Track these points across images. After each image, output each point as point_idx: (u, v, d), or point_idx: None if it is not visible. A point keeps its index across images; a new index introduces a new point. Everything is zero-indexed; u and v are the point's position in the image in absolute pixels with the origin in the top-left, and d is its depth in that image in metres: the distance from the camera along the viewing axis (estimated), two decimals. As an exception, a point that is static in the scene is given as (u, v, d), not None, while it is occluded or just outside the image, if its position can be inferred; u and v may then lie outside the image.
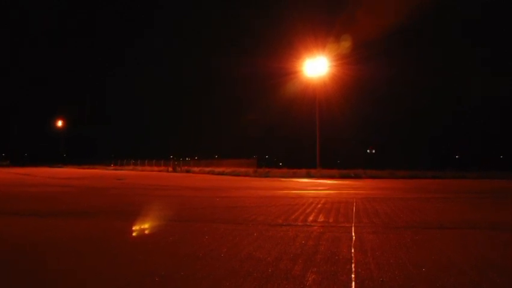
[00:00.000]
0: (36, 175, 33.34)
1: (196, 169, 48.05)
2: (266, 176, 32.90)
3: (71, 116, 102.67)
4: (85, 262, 4.87)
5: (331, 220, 7.97)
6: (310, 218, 8.16)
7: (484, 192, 16.31)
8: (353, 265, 4.68)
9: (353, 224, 7.47)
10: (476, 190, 17.24)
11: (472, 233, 6.76)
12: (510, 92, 79.00)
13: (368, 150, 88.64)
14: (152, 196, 13.98)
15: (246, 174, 35.07)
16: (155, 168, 59.31)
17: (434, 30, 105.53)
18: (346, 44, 43.09)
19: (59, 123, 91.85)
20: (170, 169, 52.84)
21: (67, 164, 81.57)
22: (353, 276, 4.32)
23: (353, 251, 5.37)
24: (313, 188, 18.01)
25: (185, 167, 51.83)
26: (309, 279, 4.22)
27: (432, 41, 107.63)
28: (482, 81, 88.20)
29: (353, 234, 6.58)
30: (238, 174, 35.89)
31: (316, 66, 37.85)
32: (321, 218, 8.19)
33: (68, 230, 7.04)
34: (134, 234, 6.66)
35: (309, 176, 31.58)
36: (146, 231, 6.89)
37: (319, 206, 10.28)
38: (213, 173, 40.74)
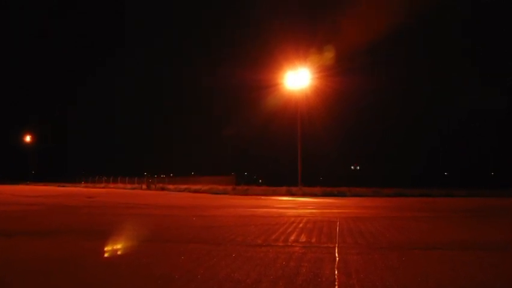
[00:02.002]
0: (3, 193, 32.83)
1: (171, 186, 47.80)
2: (245, 193, 32.86)
3: (39, 131, 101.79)
4: (50, 284, 4.79)
5: (313, 240, 7.97)
6: (292, 238, 8.16)
7: (472, 210, 16.50)
8: None
9: (337, 245, 7.48)
10: (464, 209, 17.43)
11: (460, 254, 6.82)
12: (500, 108, 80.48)
13: (352, 167, 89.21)
14: (125, 215, 13.86)
15: (224, 192, 34.99)
16: (129, 185, 58.81)
17: (420, 40, 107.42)
18: (329, 55, 43.47)
19: (27, 138, 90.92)
20: (144, 186, 52.53)
21: (36, 181, 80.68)
22: (336, 299, 4.31)
23: (336, 272, 5.37)
24: (295, 206, 18.03)
25: (160, 185, 51.55)
26: (291, 302, 4.21)
27: (418, 53, 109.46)
28: (471, 95, 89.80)
29: (337, 255, 6.59)
30: (215, 192, 35.78)
31: (298, 78, 37.98)
32: (303, 238, 8.19)
33: (34, 250, 6.92)
34: (105, 255, 6.58)
35: (290, 193, 31.62)
36: (119, 252, 6.82)
37: (301, 225, 10.28)
38: (189, 190, 40.57)
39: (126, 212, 14.80)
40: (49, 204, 18.81)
